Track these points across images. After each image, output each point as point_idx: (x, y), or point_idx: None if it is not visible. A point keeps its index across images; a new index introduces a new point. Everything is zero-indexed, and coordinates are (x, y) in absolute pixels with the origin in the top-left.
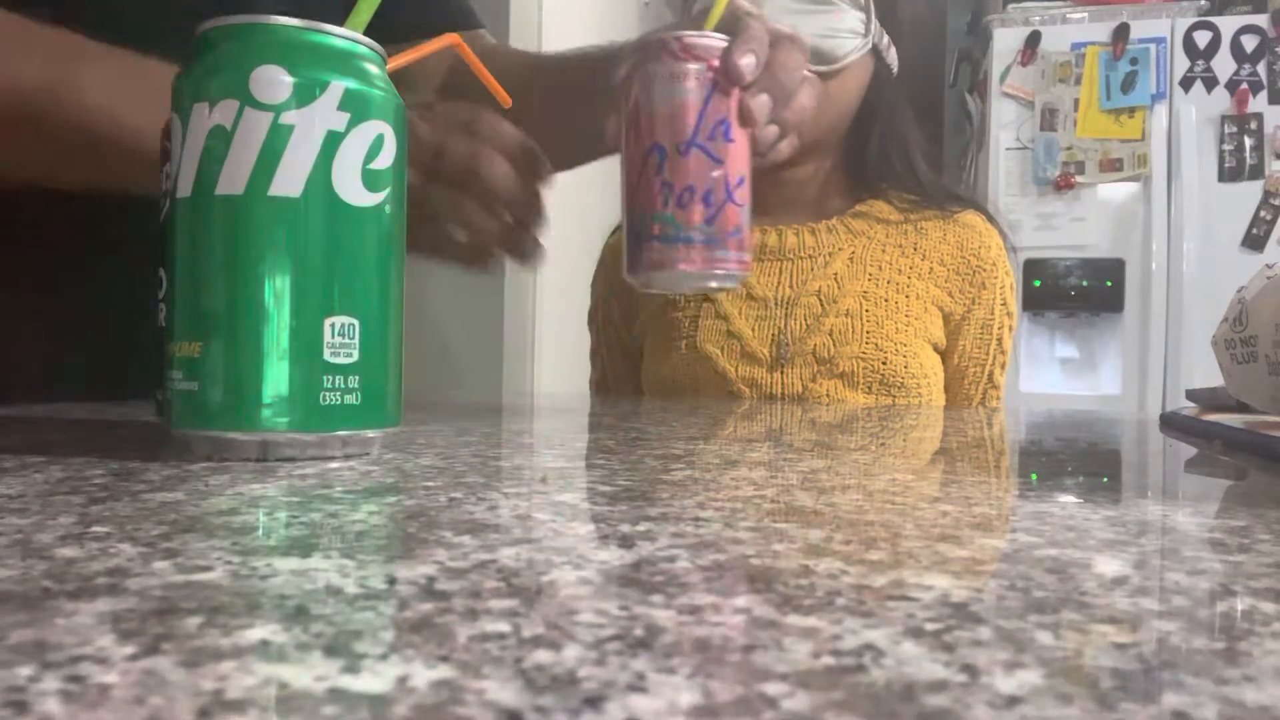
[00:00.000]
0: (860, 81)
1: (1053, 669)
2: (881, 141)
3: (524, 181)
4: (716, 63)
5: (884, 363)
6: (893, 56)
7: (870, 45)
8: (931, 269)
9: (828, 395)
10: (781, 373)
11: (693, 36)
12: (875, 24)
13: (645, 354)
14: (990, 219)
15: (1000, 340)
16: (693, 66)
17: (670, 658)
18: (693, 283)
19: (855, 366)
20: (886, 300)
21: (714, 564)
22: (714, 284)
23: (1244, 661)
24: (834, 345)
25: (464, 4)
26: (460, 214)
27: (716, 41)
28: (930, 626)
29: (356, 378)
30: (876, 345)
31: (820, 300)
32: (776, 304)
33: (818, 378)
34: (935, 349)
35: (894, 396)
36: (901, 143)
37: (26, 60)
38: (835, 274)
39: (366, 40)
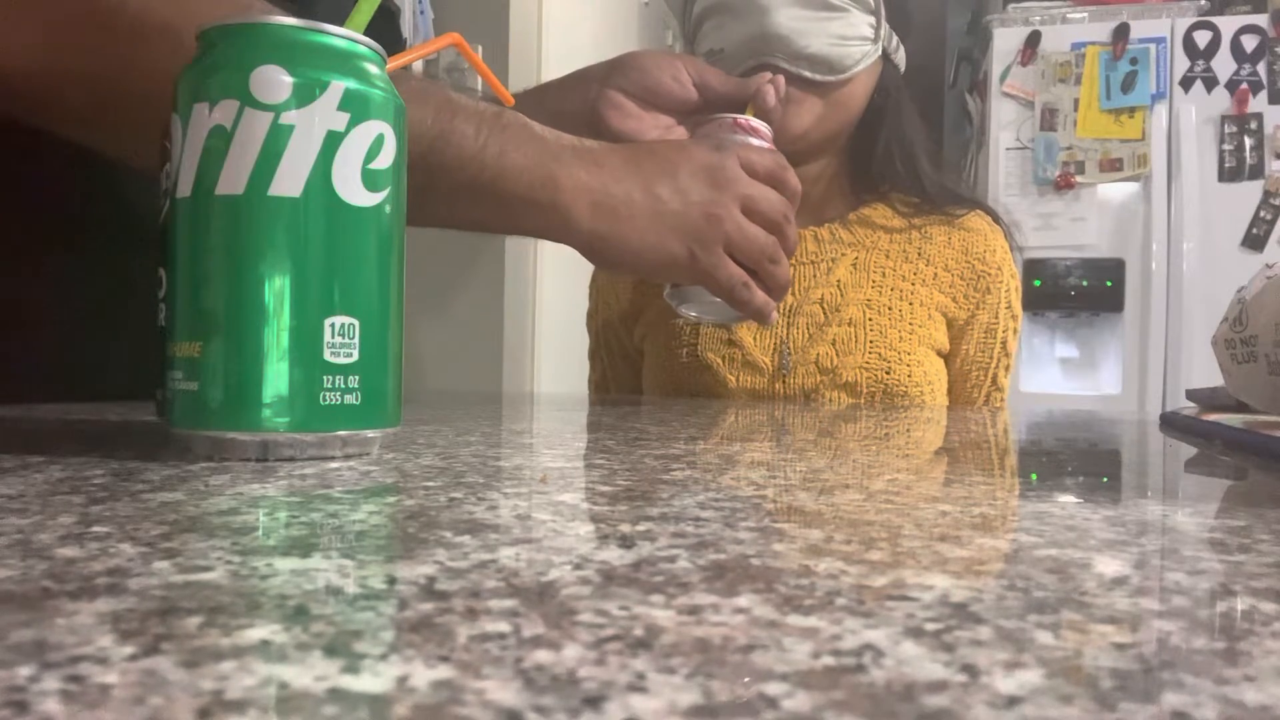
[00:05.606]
0: (868, 86)
1: (1053, 669)
2: (886, 143)
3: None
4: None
5: (887, 372)
6: (900, 57)
7: (880, 51)
8: (936, 275)
9: (830, 405)
10: (783, 383)
11: (756, 121)
12: (885, 27)
13: (645, 359)
14: (996, 219)
15: (1004, 343)
16: (755, 141)
17: (670, 658)
18: (725, 314)
19: (859, 377)
20: (890, 308)
21: (714, 564)
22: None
23: (1244, 661)
24: (837, 355)
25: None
26: (774, 265)
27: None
28: (930, 626)
29: (356, 378)
30: (880, 355)
31: (823, 309)
32: (778, 312)
33: (820, 388)
34: (939, 354)
35: (896, 404)
36: (906, 144)
37: None
38: (838, 281)
39: (366, 40)
